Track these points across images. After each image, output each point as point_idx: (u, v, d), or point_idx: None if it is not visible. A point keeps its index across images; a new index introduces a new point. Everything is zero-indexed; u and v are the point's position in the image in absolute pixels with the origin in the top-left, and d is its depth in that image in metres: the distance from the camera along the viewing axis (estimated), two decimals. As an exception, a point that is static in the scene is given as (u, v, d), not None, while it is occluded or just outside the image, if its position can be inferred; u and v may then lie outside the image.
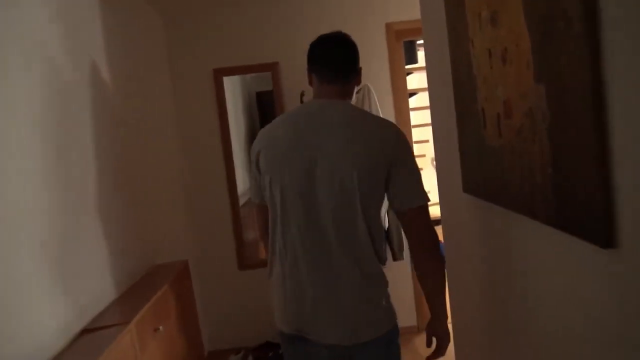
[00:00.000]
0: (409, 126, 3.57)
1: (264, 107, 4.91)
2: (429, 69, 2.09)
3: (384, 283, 1.61)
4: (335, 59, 1.67)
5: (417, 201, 1.53)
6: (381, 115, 3.29)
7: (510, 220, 1.33)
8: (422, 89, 5.43)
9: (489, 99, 1.36)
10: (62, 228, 1.72)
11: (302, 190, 1.53)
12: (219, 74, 3.48)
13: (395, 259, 3.38)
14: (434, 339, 1.68)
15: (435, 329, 1.66)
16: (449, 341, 1.67)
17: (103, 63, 2.31)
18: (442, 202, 2.11)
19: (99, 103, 2.19)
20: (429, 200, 1.56)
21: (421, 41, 4.64)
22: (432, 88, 2.07)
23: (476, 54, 1.41)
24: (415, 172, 1.57)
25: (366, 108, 3.23)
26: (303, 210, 1.54)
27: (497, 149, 1.33)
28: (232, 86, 4.42)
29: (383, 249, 1.61)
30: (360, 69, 1.73)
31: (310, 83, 1.73)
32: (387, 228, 3.31)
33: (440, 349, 1.66)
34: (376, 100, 3.28)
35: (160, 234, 2.81)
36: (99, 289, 1.98)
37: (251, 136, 4.88)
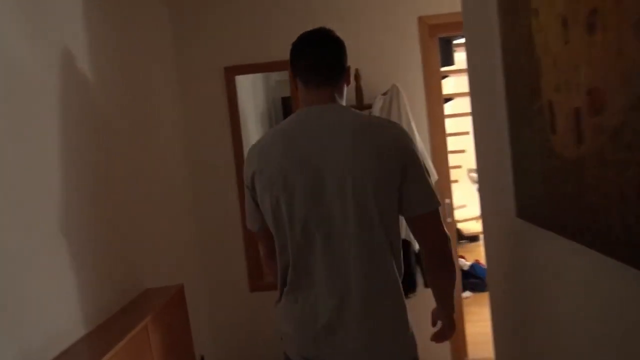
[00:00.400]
0: (443, 134, 3.15)
1: (289, 113, 4.62)
2: (472, 60, 1.68)
3: (404, 308, 1.48)
4: (320, 59, 1.52)
5: (429, 206, 1.41)
6: (412, 122, 2.88)
7: (597, 268, 0.91)
8: (459, 94, 4.98)
9: (562, 89, 0.94)
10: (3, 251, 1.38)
11: (312, 210, 1.40)
12: (231, 72, 3.13)
13: (427, 285, 2.95)
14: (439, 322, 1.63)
15: (441, 317, 1.61)
16: (454, 330, 1.60)
17: (84, 59, 1.98)
18: (487, 226, 1.69)
19: (73, 104, 1.85)
20: (439, 204, 1.43)
21: (459, 40, 4.21)
22: (475, 84, 1.66)
23: (542, 26, 1.00)
24: (426, 175, 1.43)
25: (394, 112, 2.82)
26: (316, 233, 1.42)
27: (575, 160, 0.92)
28: (253, 90, 4.09)
29: (402, 268, 1.49)
30: (349, 67, 1.57)
31: (296, 89, 1.57)
32: (418, 251, 2.88)
33: (444, 335, 1.61)
34: (406, 103, 2.86)
35: (154, 253, 2.46)
36: (60, 325, 1.63)
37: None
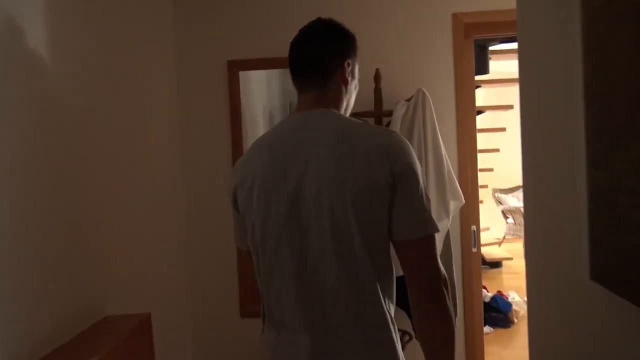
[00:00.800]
0: (474, 149, 2.72)
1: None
2: (527, 67, 1.26)
3: (394, 348, 1.23)
4: (305, 58, 1.34)
5: (419, 231, 1.18)
6: (439, 134, 2.46)
7: None
8: (491, 107, 4.54)
9: None
10: None
11: (285, 234, 1.22)
12: (235, 67, 2.76)
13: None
14: None
15: None
16: None
17: (42, 40, 1.62)
18: (541, 285, 1.26)
19: (19, 93, 1.49)
20: (436, 230, 1.20)
21: (496, 47, 3.79)
22: (530, 96, 1.24)
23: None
24: (420, 194, 1.19)
25: (417, 122, 2.40)
26: (289, 260, 1.22)
27: None
28: (267, 90, 3.73)
29: (393, 299, 1.28)
30: (346, 63, 1.31)
31: None
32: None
33: None
34: (432, 110, 2.44)
35: (124, 270, 2.08)
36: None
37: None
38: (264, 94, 3.63)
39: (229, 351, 2.84)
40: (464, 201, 2.44)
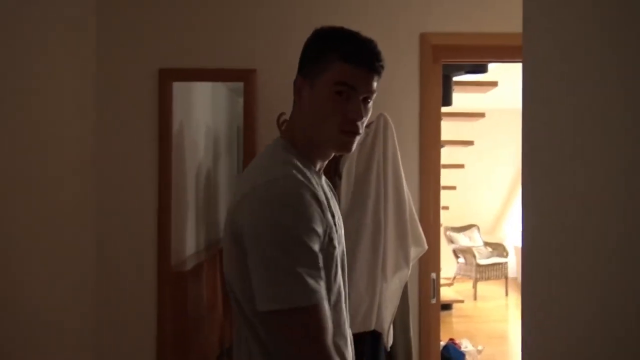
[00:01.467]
0: (438, 187, 2.40)
1: None
2: (536, 93, 0.94)
3: None
4: None
5: (262, 303, 0.98)
6: (401, 166, 2.12)
7: None
8: (453, 142, 4.30)
9: None
10: None
11: None
12: (168, 77, 2.34)
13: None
14: None
15: None
16: None
17: None
18: None
19: None
20: (287, 305, 0.96)
21: (460, 78, 3.54)
22: (539, 130, 0.92)
23: None
24: (262, 256, 0.99)
25: (377, 151, 2.06)
26: None
27: None
28: (214, 115, 3.35)
29: None
30: (298, 79, 1.17)
31: None
32: (392, 344, 2.07)
33: None
34: (395, 140, 2.10)
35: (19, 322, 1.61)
36: None
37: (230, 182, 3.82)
38: (208, 112, 3.24)
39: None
40: (426, 247, 2.09)
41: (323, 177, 1.23)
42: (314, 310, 0.98)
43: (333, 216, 1.12)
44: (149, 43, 2.36)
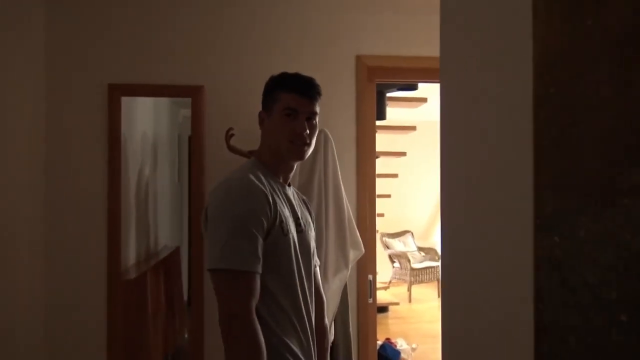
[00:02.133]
0: (373, 196, 2.62)
1: None
2: (453, 109, 1.15)
3: None
4: None
5: (208, 262, 1.36)
6: (340, 177, 2.33)
7: None
8: (387, 153, 4.57)
9: None
10: None
11: None
12: (117, 91, 2.44)
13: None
14: None
15: None
16: None
17: None
18: None
19: None
20: (221, 266, 1.32)
21: (393, 94, 3.81)
22: (454, 143, 1.13)
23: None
24: (214, 229, 1.37)
25: (319, 163, 2.26)
26: None
27: None
28: (155, 125, 3.41)
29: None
30: (260, 113, 1.58)
31: None
32: (333, 341, 2.26)
33: None
34: (335, 153, 2.31)
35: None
36: None
37: (178, 189, 3.88)
38: (150, 121, 3.31)
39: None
40: (364, 251, 2.30)
41: (291, 188, 1.57)
42: (242, 275, 1.30)
43: (295, 214, 1.48)
44: (99, 58, 2.45)
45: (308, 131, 1.48)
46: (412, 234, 7.96)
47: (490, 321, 0.93)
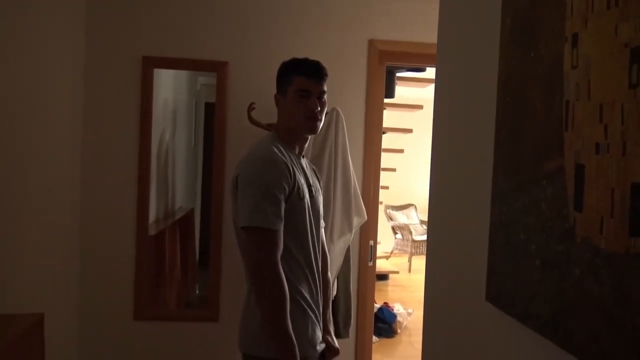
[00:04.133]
0: (378, 169, 2.88)
1: (213, 121, 4.23)
2: (442, 95, 1.40)
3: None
4: None
5: (241, 221, 1.61)
6: (349, 152, 2.59)
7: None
8: (393, 129, 4.80)
9: (610, 150, 0.66)
10: None
11: None
12: (150, 63, 2.69)
13: (337, 335, 2.62)
14: None
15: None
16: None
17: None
18: (440, 302, 1.38)
19: None
20: (252, 224, 1.57)
21: (403, 74, 4.02)
22: (443, 125, 1.38)
23: (585, 59, 0.72)
24: (245, 194, 1.61)
25: (330, 138, 2.52)
26: None
27: (619, 255, 0.63)
28: (173, 87, 3.63)
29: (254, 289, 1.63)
30: (275, 95, 1.82)
31: None
32: (335, 295, 2.56)
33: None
34: (345, 130, 2.57)
35: (10, 270, 1.95)
36: None
37: (195, 150, 4.13)
38: (170, 88, 3.52)
39: (120, 356, 2.74)
40: (366, 218, 2.57)
41: (304, 159, 1.83)
42: (269, 232, 1.56)
43: (308, 182, 1.74)
44: (135, 32, 2.69)
45: (319, 108, 1.73)
46: (415, 207, 8.22)
47: (458, 267, 1.21)
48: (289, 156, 1.69)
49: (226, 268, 2.76)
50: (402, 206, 8.11)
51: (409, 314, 4.94)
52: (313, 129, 1.75)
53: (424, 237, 7.72)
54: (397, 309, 4.83)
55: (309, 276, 1.70)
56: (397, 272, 6.79)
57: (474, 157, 1.12)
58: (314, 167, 1.94)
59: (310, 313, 1.68)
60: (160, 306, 3.01)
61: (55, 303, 2.39)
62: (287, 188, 1.60)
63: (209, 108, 4.21)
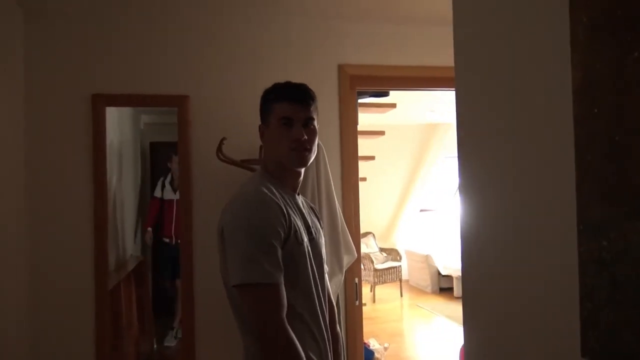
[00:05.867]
0: (357, 201, 2.70)
1: (157, 161, 4.00)
2: (467, 105, 1.23)
3: None
4: None
5: (232, 279, 1.36)
6: (332, 185, 2.40)
7: None
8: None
9: None
10: None
11: None
12: (101, 102, 2.41)
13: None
14: None
15: None
16: None
17: None
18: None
19: None
20: (247, 281, 1.33)
21: (363, 100, 3.90)
22: (474, 148, 1.21)
23: None
24: (233, 246, 1.37)
25: (312, 171, 2.31)
26: None
27: None
28: (120, 132, 3.37)
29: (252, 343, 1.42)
30: (259, 126, 1.59)
31: None
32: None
33: None
34: (327, 162, 2.37)
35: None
36: None
37: (142, 195, 3.86)
38: (114, 129, 3.26)
39: None
40: (356, 256, 2.37)
41: (300, 197, 1.57)
42: (269, 287, 1.32)
43: (306, 222, 1.50)
44: (82, 69, 2.41)
45: (306, 137, 1.48)
46: (373, 235, 8.10)
47: (525, 320, 1.01)
48: (281, 195, 1.45)
49: (200, 321, 2.47)
50: (362, 235, 7.96)
51: (385, 349, 4.73)
52: (301, 161, 1.50)
53: (386, 265, 7.59)
54: (373, 344, 4.61)
55: (316, 334, 1.45)
56: (364, 305, 6.58)
57: (539, 183, 0.95)
58: (312, 205, 1.70)
59: None
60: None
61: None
62: (282, 233, 1.37)
63: (154, 147, 3.98)
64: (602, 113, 0.78)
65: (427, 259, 7.88)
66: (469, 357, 1.19)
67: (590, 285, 0.81)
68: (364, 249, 7.80)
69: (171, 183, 3.79)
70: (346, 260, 2.30)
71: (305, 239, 1.46)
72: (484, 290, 1.16)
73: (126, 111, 3.41)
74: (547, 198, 0.93)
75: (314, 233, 1.53)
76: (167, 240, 3.78)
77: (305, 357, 1.38)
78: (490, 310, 1.13)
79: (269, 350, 1.32)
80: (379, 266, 7.43)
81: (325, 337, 1.49)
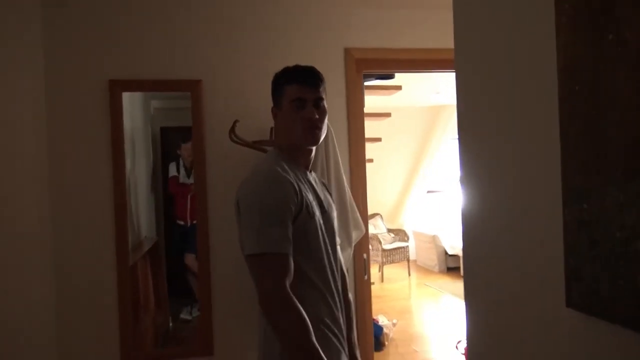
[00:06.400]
0: (364, 179, 2.80)
1: (167, 146, 4.08)
2: (467, 87, 1.33)
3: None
4: None
5: (246, 249, 1.48)
6: (341, 165, 2.50)
7: None
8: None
9: None
10: None
11: None
12: (117, 87, 2.52)
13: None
14: None
15: None
16: None
17: None
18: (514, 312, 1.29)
19: None
20: (257, 251, 1.43)
21: (369, 82, 3.98)
22: (474, 123, 1.30)
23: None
24: (247, 220, 1.48)
25: (320, 152, 2.41)
26: None
27: None
28: (131, 118, 3.47)
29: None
30: (272, 109, 1.69)
31: None
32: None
33: None
34: (335, 143, 2.47)
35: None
36: None
37: (154, 179, 3.96)
38: (126, 114, 3.36)
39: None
40: (364, 231, 2.48)
41: (312, 174, 1.69)
42: (277, 257, 1.42)
43: (318, 197, 1.62)
44: (99, 55, 2.51)
45: (317, 116, 1.60)
46: (381, 216, 8.21)
47: (517, 275, 1.12)
48: (294, 173, 1.56)
49: (217, 297, 2.60)
50: (369, 216, 8.06)
51: (394, 325, 4.86)
52: (314, 140, 1.61)
53: (394, 245, 7.71)
54: (382, 320, 4.75)
55: (329, 300, 1.57)
56: (372, 284, 6.71)
57: (529, 155, 1.05)
58: (323, 180, 1.82)
59: (334, 340, 1.55)
60: (147, 345, 2.81)
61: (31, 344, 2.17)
62: (293, 208, 1.48)
63: (164, 132, 4.07)
64: (581, 91, 0.88)
65: (434, 239, 7.99)
66: (471, 317, 1.30)
67: (573, 243, 0.92)
68: (371, 230, 7.91)
69: (184, 168, 3.89)
70: (355, 235, 2.41)
71: (317, 213, 1.57)
72: (484, 259, 1.26)
73: (137, 97, 3.49)
74: (539, 181, 1.02)
75: (325, 207, 1.64)
76: (181, 222, 3.89)
77: (321, 321, 1.51)
78: (488, 273, 1.24)
79: (273, 316, 1.40)
80: (386, 246, 7.55)
81: (338, 301, 1.61)
